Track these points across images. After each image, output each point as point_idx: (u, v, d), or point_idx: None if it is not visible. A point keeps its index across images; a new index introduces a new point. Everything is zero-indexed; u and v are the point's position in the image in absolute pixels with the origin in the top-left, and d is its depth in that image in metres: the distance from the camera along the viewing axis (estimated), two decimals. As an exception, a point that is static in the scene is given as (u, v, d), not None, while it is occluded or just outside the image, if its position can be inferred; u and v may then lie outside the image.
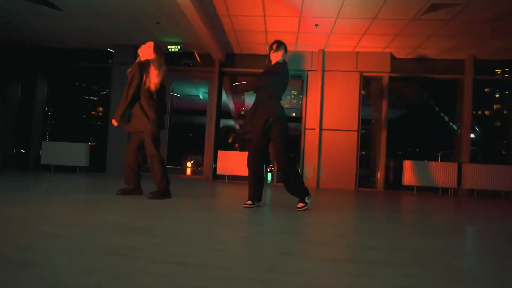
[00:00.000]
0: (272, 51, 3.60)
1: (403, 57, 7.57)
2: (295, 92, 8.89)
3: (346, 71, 7.44)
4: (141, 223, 2.40)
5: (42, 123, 8.60)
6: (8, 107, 8.41)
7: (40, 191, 4.07)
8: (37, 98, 8.48)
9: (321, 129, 7.43)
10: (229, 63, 7.98)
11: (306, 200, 3.39)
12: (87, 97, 9.00)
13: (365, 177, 8.05)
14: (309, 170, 7.44)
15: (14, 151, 8.66)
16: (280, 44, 3.59)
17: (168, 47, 7.48)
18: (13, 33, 7.61)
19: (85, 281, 1.24)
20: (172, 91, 8.33)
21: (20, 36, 7.81)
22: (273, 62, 3.59)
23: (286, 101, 9.09)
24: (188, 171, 10.48)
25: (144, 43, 7.22)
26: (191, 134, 12.23)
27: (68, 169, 8.02)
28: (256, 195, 3.46)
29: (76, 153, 7.78)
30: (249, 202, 3.43)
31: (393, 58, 7.51)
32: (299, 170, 3.51)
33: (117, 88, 7.86)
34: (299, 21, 6.14)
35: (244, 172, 7.41)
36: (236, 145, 8.82)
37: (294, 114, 8.99)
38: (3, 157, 8.37)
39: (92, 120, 9.10)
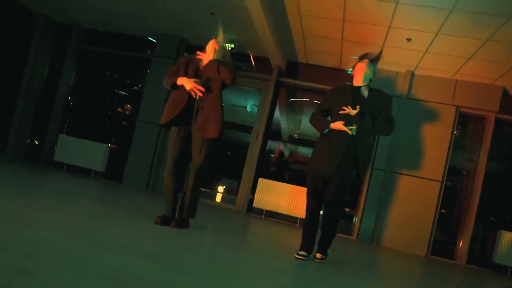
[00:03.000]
0: (365, 60, 3.48)
1: (520, 94, 7.14)
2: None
3: (438, 103, 7.14)
4: (152, 249, 2.38)
5: (62, 114, 9.01)
6: (30, 90, 8.90)
7: (51, 193, 4.21)
8: (62, 84, 8.91)
9: (392, 172, 7.13)
10: (290, 73, 7.97)
11: (328, 251, 3.48)
12: (116, 91, 9.32)
13: (441, 242, 7.60)
14: (368, 223, 7.15)
15: (28, 141, 9.10)
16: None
17: (220, 44, 7.57)
18: (52, 7, 8.12)
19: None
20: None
21: (59, 11, 8.32)
22: (355, 78, 3.49)
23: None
24: (219, 197, 10.44)
25: (193, 35, 7.41)
26: (228, 153, 12.24)
27: (82, 171, 8.29)
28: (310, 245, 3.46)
29: (93, 154, 8.05)
30: (303, 252, 3.41)
31: (505, 94, 7.10)
32: None
33: (152, 84, 8.06)
34: (387, 32, 6.01)
35: (288, 210, 7.29)
36: (286, 176, 8.64)
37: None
38: (15, 147, 8.81)
39: (117, 118, 9.37)
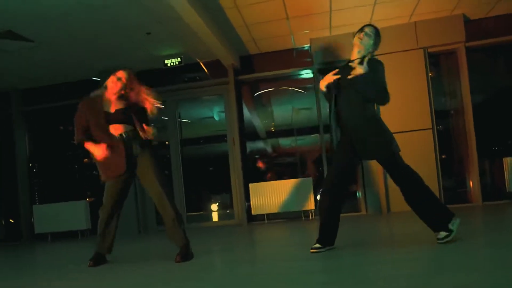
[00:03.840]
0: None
1: (482, 16, 7.13)
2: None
3: (404, 51, 7.11)
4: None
5: (29, 184, 8.78)
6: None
7: (45, 268, 4.19)
8: (19, 153, 8.69)
9: (382, 134, 7.08)
10: (246, 69, 7.90)
11: (450, 226, 3.10)
12: (76, 142, 9.04)
13: (450, 189, 7.59)
14: (372, 193, 7.13)
15: (3, 222, 8.85)
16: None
17: (166, 61, 7.47)
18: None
19: None
20: (178, 117, 8.25)
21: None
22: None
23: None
24: (215, 216, 10.30)
25: (136, 61, 7.38)
26: (210, 168, 12.11)
27: (68, 236, 8.11)
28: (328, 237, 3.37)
29: (74, 214, 7.88)
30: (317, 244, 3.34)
31: (467, 21, 7.07)
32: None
33: (110, 124, 7.86)
34: (329, -4, 5.93)
35: (288, 207, 7.22)
36: (269, 175, 8.57)
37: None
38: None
39: (86, 170, 9.14)
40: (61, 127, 9.31)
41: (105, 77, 7.90)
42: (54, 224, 7.91)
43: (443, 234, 3.09)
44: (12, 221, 9.05)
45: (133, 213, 7.75)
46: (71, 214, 7.85)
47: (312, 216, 7.22)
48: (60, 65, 7.58)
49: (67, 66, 7.64)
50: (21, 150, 8.72)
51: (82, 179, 9.14)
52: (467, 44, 7.10)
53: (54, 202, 8.05)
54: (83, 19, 5.88)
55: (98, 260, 3.79)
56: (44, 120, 9.06)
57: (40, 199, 8.95)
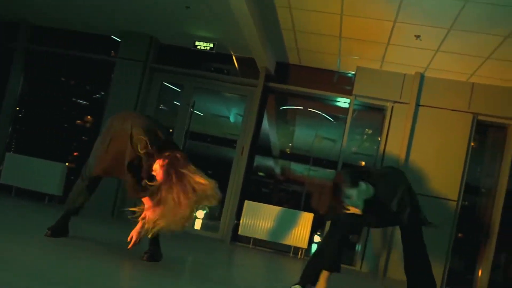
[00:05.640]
0: None
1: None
2: (369, 131, 8.57)
3: (453, 110, 7.08)
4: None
5: (10, 128, 8.76)
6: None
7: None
8: (9, 93, 8.66)
9: (402, 191, 7.04)
10: (280, 77, 7.88)
11: None
12: (74, 99, 9.08)
13: (458, 272, 7.53)
14: (375, 250, 7.07)
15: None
16: None
17: (197, 43, 7.50)
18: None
19: None
20: (192, 106, 8.23)
21: (2, 8, 8.12)
22: None
23: (354, 145, 8.74)
24: (198, 224, 10.22)
25: (165, 33, 7.43)
26: (209, 171, 12.03)
27: (34, 195, 7.97)
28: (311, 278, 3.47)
29: (48, 175, 7.77)
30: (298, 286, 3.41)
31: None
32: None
33: (117, 91, 7.90)
34: (392, 28, 5.91)
35: (279, 238, 7.14)
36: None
37: (364, 163, 8.61)
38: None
39: (76, 132, 9.13)
40: (63, 79, 9.32)
41: (126, 38, 7.96)
42: (24, 179, 7.81)
43: None
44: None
45: (112, 194, 7.69)
46: (46, 174, 7.74)
47: (301, 254, 7.15)
48: (82, 12, 7.58)
49: (89, 15, 7.65)
50: (12, 90, 8.67)
51: (69, 140, 9.11)
52: (521, 123, 7.06)
53: (31, 156, 7.94)
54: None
55: (58, 231, 3.80)
56: (47, 65, 9.03)
57: (16, 148, 8.91)
